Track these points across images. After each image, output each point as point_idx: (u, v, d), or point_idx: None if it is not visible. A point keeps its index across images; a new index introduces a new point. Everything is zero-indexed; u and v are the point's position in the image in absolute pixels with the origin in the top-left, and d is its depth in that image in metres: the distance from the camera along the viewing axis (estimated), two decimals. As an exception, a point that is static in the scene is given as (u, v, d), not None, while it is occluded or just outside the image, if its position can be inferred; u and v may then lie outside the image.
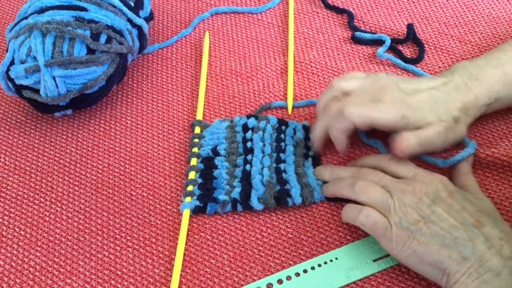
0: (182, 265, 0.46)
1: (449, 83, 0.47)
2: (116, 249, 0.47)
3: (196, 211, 0.49)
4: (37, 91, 0.54)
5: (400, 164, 0.46)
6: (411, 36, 0.62)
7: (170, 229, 0.48)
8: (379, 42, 0.62)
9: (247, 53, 0.63)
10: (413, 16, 0.65)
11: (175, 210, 0.50)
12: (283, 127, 0.53)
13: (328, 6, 0.67)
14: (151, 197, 0.51)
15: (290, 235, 0.47)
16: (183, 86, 0.61)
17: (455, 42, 0.62)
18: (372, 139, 0.52)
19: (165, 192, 0.51)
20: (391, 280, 0.44)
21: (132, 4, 0.59)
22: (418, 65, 0.59)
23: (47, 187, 0.53)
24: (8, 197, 0.52)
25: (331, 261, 0.45)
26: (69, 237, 0.49)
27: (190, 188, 0.50)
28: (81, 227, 0.49)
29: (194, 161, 0.52)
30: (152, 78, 0.62)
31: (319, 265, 0.45)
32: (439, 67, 0.59)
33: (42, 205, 0.51)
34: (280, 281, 0.44)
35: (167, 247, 0.47)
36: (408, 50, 0.61)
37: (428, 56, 0.60)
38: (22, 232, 0.49)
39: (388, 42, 0.61)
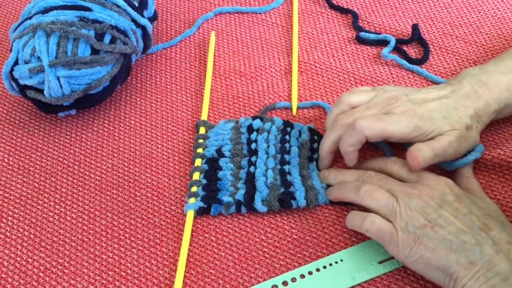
0: (186, 266, 0.46)
1: (458, 91, 0.47)
2: (120, 250, 0.47)
3: (200, 212, 0.48)
4: (41, 91, 0.54)
5: (406, 168, 0.46)
6: (416, 36, 0.61)
7: (174, 230, 0.48)
8: (384, 43, 0.62)
9: (251, 53, 0.63)
10: (418, 17, 0.65)
11: (179, 211, 0.50)
12: (288, 129, 0.53)
13: (333, 6, 0.67)
14: (155, 198, 0.51)
15: (295, 237, 0.47)
16: (187, 86, 0.60)
17: (460, 43, 0.61)
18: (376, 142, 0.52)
19: (169, 193, 0.51)
20: (396, 282, 0.44)
21: (136, 4, 0.58)
22: (423, 65, 0.59)
23: (51, 188, 0.52)
24: (12, 197, 0.52)
25: (336, 263, 0.45)
26: (73, 238, 0.48)
27: (194, 189, 0.50)
28: (85, 227, 0.49)
29: (198, 162, 0.52)
30: (156, 78, 0.62)
31: (324, 267, 0.45)
32: (444, 67, 0.59)
33: (46, 205, 0.51)
34: (285, 283, 0.44)
35: (171, 248, 0.47)
36: (413, 50, 0.61)
37: (433, 57, 0.60)
38: (26, 233, 0.49)
39: (393, 42, 0.60)
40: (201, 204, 0.48)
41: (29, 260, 0.47)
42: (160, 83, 0.61)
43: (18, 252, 0.48)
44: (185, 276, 0.45)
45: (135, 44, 0.57)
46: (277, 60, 0.62)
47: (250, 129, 0.53)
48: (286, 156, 0.50)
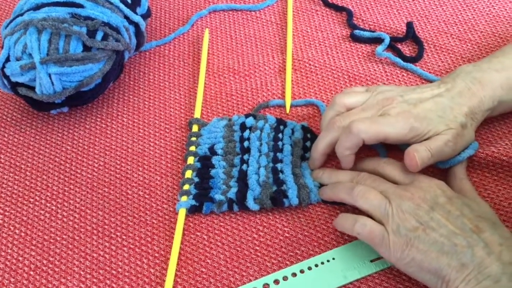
0: (178, 265, 0.45)
1: (452, 89, 0.47)
2: (112, 248, 0.47)
3: (192, 211, 0.48)
4: (32, 88, 0.53)
5: (399, 169, 0.45)
6: (411, 34, 0.61)
7: (166, 228, 0.48)
8: (378, 41, 0.61)
9: (245, 51, 0.63)
10: (412, 14, 0.64)
11: (171, 209, 0.49)
12: (281, 127, 0.53)
13: (327, 4, 0.67)
14: (147, 196, 0.50)
15: (287, 235, 0.47)
16: (180, 84, 0.60)
17: (455, 41, 0.61)
18: None
19: (161, 191, 0.51)
20: (388, 280, 0.43)
21: (129, 1, 0.58)
22: (417, 63, 0.59)
23: (42, 186, 0.52)
24: (3, 195, 0.52)
25: (328, 261, 0.45)
26: (64, 236, 0.48)
27: (186, 187, 0.49)
28: (76, 226, 0.49)
29: (191, 160, 0.52)
30: (149, 75, 0.61)
31: (316, 265, 0.44)
32: (438, 65, 0.59)
33: (37, 203, 0.51)
34: (276, 281, 0.44)
35: (163, 246, 0.47)
36: (407, 48, 0.61)
37: (428, 55, 0.60)
38: (17, 231, 0.49)
39: (387, 40, 0.60)
40: (193, 202, 0.48)
41: (20, 258, 0.47)
42: (153, 81, 0.61)
43: (9, 251, 0.48)
44: (176, 275, 0.45)
45: (128, 41, 0.57)
46: (271, 58, 0.62)
47: (243, 127, 0.53)
48: (279, 155, 0.50)
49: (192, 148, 0.52)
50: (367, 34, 0.62)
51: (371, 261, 0.44)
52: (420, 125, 0.44)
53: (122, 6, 0.56)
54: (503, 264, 0.37)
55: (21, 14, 0.53)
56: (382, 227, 0.41)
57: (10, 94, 0.59)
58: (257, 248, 0.46)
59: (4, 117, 0.58)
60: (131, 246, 0.47)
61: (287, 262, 0.45)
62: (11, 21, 0.54)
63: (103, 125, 0.57)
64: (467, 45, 0.61)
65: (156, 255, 0.46)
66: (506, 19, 0.63)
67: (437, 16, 0.64)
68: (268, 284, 0.44)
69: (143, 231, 0.48)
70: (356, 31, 0.62)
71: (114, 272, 0.46)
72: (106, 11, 0.54)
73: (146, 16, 0.62)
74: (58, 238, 0.48)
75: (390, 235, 0.40)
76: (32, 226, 0.49)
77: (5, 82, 0.54)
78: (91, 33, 0.52)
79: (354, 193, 0.43)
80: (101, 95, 0.57)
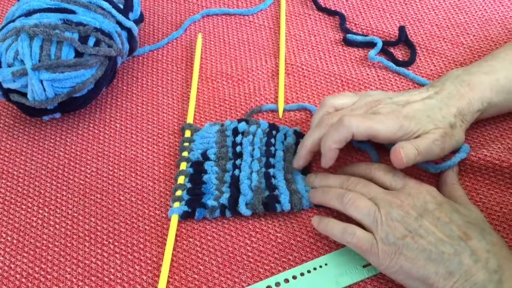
0: (170, 271, 0.45)
1: (441, 91, 0.47)
2: (104, 255, 0.47)
3: (185, 217, 0.48)
4: (24, 94, 0.53)
5: (389, 175, 0.45)
6: (403, 38, 0.61)
7: (158, 234, 0.48)
8: (371, 45, 0.61)
9: (238, 56, 0.63)
10: (405, 18, 0.65)
11: (163, 215, 0.49)
12: (274, 132, 0.53)
13: (320, 8, 0.67)
14: (139, 202, 0.50)
15: (280, 241, 0.47)
16: (173, 89, 0.60)
17: (447, 45, 0.61)
18: (362, 143, 0.52)
19: (154, 197, 0.51)
20: (380, 286, 0.43)
21: (122, 6, 0.58)
22: (409, 67, 0.59)
23: (34, 192, 0.52)
24: (-5, 202, 0.52)
25: (320, 267, 0.45)
26: (56, 243, 0.48)
27: (179, 193, 0.49)
28: (69, 232, 0.49)
29: (183, 166, 0.51)
30: (142, 80, 0.61)
31: (309, 271, 0.44)
32: (431, 69, 0.59)
33: (29, 210, 0.51)
34: (269, 288, 0.44)
35: (155, 253, 0.47)
36: (400, 52, 0.61)
37: (420, 59, 0.60)
38: (9, 238, 0.49)
39: (379, 44, 0.60)
40: (186, 208, 0.48)
41: (12, 265, 0.47)
42: (146, 86, 0.61)
43: (1, 258, 0.47)
44: (168, 281, 0.45)
45: (120, 47, 0.56)
46: (264, 62, 0.62)
47: (235, 132, 0.53)
48: (271, 160, 0.50)
49: (185, 153, 0.52)
50: (359, 38, 0.62)
51: (364, 266, 0.44)
52: (409, 124, 0.44)
53: (114, 11, 0.56)
54: (489, 272, 0.37)
55: (13, 21, 0.53)
56: (370, 236, 0.41)
57: (2, 100, 0.59)
58: (250, 254, 0.46)
59: (-3, 123, 0.58)
60: (124, 253, 0.47)
61: (280, 268, 0.45)
62: (2, 28, 0.54)
63: (96, 131, 0.57)
64: (460, 49, 0.61)
65: (149, 261, 0.46)
66: (499, 23, 0.63)
67: (429, 20, 0.64)
68: (260, 290, 0.44)
69: (136, 237, 0.48)
70: (349, 35, 0.62)
71: (106, 279, 0.45)
72: (98, 16, 0.54)
73: (138, 21, 0.62)
74: (50, 245, 0.48)
75: (379, 244, 0.40)
76: (24, 233, 0.49)
77: (-3, 88, 0.54)
78: (83, 39, 0.52)
79: (344, 200, 0.43)
80: (93, 100, 0.57)
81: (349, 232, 0.42)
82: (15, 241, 0.48)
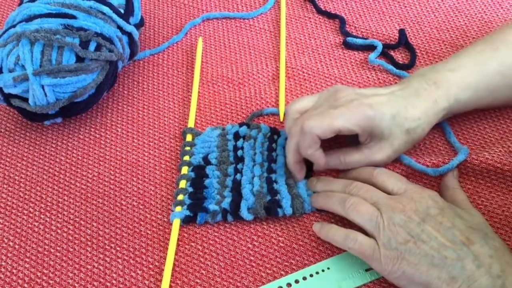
0: (172, 275, 0.45)
1: (406, 89, 0.47)
2: (106, 260, 0.47)
3: (186, 221, 0.48)
4: (25, 99, 0.53)
5: (391, 179, 0.45)
6: (403, 41, 0.61)
7: (160, 239, 0.48)
8: (371, 48, 0.61)
9: (238, 59, 0.63)
10: (405, 21, 0.65)
11: (165, 219, 0.49)
12: (275, 136, 0.53)
13: (320, 12, 0.67)
14: (141, 207, 0.50)
15: (282, 245, 0.47)
16: (174, 93, 0.60)
17: (447, 47, 0.61)
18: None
19: (156, 201, 0.51)
20: (383, 290, 0.43)
21: (122, 11, 0.58)
22: (410, 70, 0.59)
23: (36, 197, 0.52)
24: (-4, 207, 0.52)
25: (323, 271, 0.45)
26: (58, 248, 0.48)
27: (180, 197, 0.49)
28: (70, 237, 0.49)
29: (185, 170, 0.52)
30: (143, 84, 0.61)
31: (311, 275, 0.44)
32: (431, 72, 0.59)
33: (31, 215, 0.51)
34: (271, 292, 0.44)
35: (157, 257, 0.47)
36: (400, 55, 0.61)
37: (420, 62, 0.60)
38: (11, 243, 0.49)
39: (379, 47, 0.60)
40: (187, 212, 0.48)
41: (14, 271, 0.47)
42: (147, 90, 0.61)
43: (3, 263, 0.47)
44: (171, 286, 0.45)
45: (121, 51, 0.57)
46: (265, 66, 0.62)
47: (236, 136, 0.53)
48: (273, 165, 0.50)
49: (186, 157, 0.52)
50: (359, 41, 0.62)
51: (366, 270, 0.44)
52: (374, 114, 0.44)
53: (115, 16, 0.56)
54: (492, 277, 0.37)
55: (14, 26, 0.53)
56: (372, 241, 0.41)
57: (3, 106, 0.59)
58: (252, 258, 0.46)
59: (-2, 128, 0.58)
60: (125, 258, 0.47)
61: (282, 272, 0.45)
62: (3, 33, 0.54)
63: (97, 135, 0.57)
64: (454, 53, 0.61)
65: (151, 266, 0.46)
66: (498, 25, 0.63)
67: (429, 22, 0.64)
68: (263, 295, 0.44)
69: (137, 242, 0.48)
70: (349, 39, 0.62)
71: (108, 284, 0.45)
72: (99, 21, 0.54)
73: (139, 25, 0.62)
74: (52, 250, 0.48)
75: (381, 249, 0.40)
76: (26, 238, 0.49)
77: (-2, 93, 0.54)
78: (84, 44, 0.52)
79: (346, 205, 0.43)
80: (95, 105, 0.57)
81: (351, 238, 0.42)
82: (17, 246, 0.48)
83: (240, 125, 0.54)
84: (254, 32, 0.66)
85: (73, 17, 0.53)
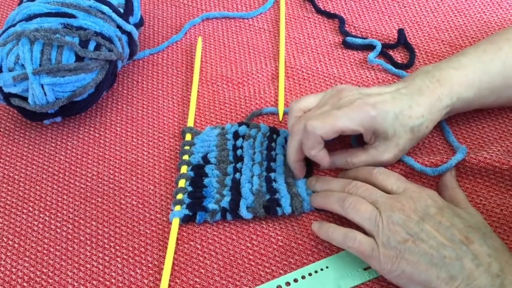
0: (171, 274, 0.45)
1: (410, 86, 0.48)
2: (105, 259, 0.47)
3: (186, 220, 0.48)
4: (25, 99, 0.53)
5: (391, 179, 0.45)
6: (402, 41, 0.61)
7: (160, 238, 0.48)
8: (370, 47, 0.62)
9: (238, 59, 0.63)
10: (404, 21, 0.65)
11: (164, 218, 0.49)
12: (274, 136, 0.53)
13: (319, 11, 0.67)
14: (140, 206, 0.50)
15: (281, 243, 0.47)
16: (173, 92, 0.60)
17: (446, 47, 0.61)
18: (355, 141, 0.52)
19: (155, 200, 0.51)
20: (381, 288, 0.44)
21: (122, 11, 0.58)
22: (409, 70, 0.59)
23: (35, 196, 0.52)
24: (-4, 206, 0.52)
25: (321, 270, 0.45)
26: (57, 247, 0.48)
27: (179, 196, 0.49)
28: (70, 236, 0.49)
29: (184, 169, 0.52)
30: (143, 84, 0.61)
31: (310, 274, 0.44)
32: (430, 72, 0.59)
33: (30, 214, 0.51)
34: (270, 291, 0.44)
35: (156, 256, 0.47)
36: (399, 55, 0.61)
37: (419, 61, 0.60)
38: (10, 242, 0.49)
39: (379, 47, 0.60)
40: (187, 211, 0.48)
41: (13, 270, 0.47)
42: (147, 89, 0.61)
43: (2, 262, 0.47)
44: (170, 285, 0.45)
45: (121, 51, 0.57)
46: (264, 66, 0.62)
47: (236, 135, 0.53)
48: (272, 164, 0.50)
49: (186, 157, 0.53)
50: (359, 41, 0.62)
51: (365, 269, 0.44)
52: (377, 114, 0.44)
53: (114, 15, 0.56)
54: (492, 276, 0.37)
55: (13, 25, 0.53)
56: (371, 240, 0.41)
57: (3, 105, 0.59)
58: (251, 257, 0.46)
59: (-3, 127, 0.58)
60: (125, 257, 0.47)
61: (281, 271, 0.45)
62: (3, 32, 0.54)
63: (97, 135, 0.57)
64: (458, 51, 0.61)
65: (150, 265, 0.46)
66: (497, 25, 0.63)
67: (428, 22, 0.64)
68: (262, 293, 0.44)
69: (137, 241, 0.48)
70: (348, 38, 0.62)
71: (107, 283, 0.46)
72: (99, 21, 0.54)
73: (138, 25, 0.62)
74: (52, 249, 0.48)
75: (380, 248, 0.40)
76: (25, 237, 0.49)
77: (-2, 92, 0.54)
78: (84, 43, 0.52)
79: (345, 204, 0.43)
80: (94, 104, 0.57)
81: (350, 237, 0.42)
82: (16, 245, 0.49)
83: (240, 124, 0.54)
84: (253, 32, 0.66)
85: (72, 16, 0.53)
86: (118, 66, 0.58)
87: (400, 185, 0.44)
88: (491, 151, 0.50)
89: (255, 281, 0.45)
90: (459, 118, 0.54)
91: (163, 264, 0.46)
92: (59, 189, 0.52)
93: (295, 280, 0.44)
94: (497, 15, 0.64)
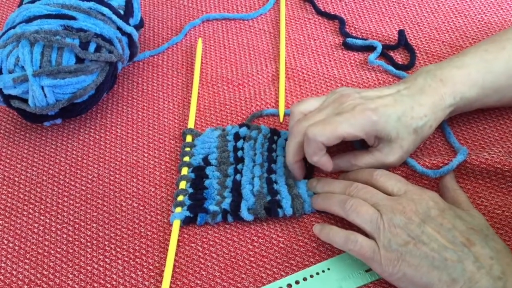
0: (172, 277, 0.45)
1: (412, 87, 0.47)
2: (106, 261, 0.47)
3: (187, 222, 0.48)
4: (25, 101, 0.53)
5: (391, 181, 0.45)
6: (403, 42, 0.61)
7: (160, 240, 0.48)
8: (371, 48, 0.62)
9: (238, 60, 0.63)
10: (404, 22, 0.65)
11: (165, 220, 0.49)
12: (275, 137, 0.53)
13: (320, 12, 0.67)
14: (141, 208, 0.50)
15: (282, 245, 0.47)
16: (174, 94, 0.60)
17: (446, 48, 0.61)
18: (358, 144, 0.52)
19: (156, 202, 0.51)
20: (383, 290, 0.43)
21: (122, 12, 0.58)
22: (409, 71, 0.59)
23: (36, 198, 0.52)
24: (-4, 208, 0.51)
25: (323, 271, 0.44)
26: (58, 249, 0.48)
27: (180, 198, 0.49)
28: (70, 238, 0.49)
29: (185, 171, 0.51)
30: (143, 86, 0.61)
31: (311, 276, 0.44)
32: (431, 73, 0.59)
33: (31, 216, 0.51)
34: (271, 293, 0.44)
35: (157, 258, 0.47)
36: (399, 56, 0.61)
37: (420, 62, 0.60)
38: (11, 245, 0.49)
39: (379, 48, 0.60)
40: (187, 213, 0.48)
41: (13, 272, 0.47)
42: (147, 91, 0.61)
43: (2, 264, 0.47)
44: (171, 287, 0.45)
45: (121, 52, 0.57)
46: (265, 67, 0.62)
47: (236, 137, 0.53)
48: (273, 165, 0.50)
49: (186, 158, 0.52)
50: (359, 42, 0.62)
51: (366, 271, 0.44)
52: (379, 119, 0.44)
53: (114, 17, 0.56)
54: (493, 279, 0.37)
55: (13, 27, 0.53)
56: (373, 243, 0.41)
57: (3, 107, 0.59)
58: (252, 259, 0.46)
59: (-3, 129, 0.58)
60: (126, 259, 0.47)
61: (282, 273, 0.45)
62: (3, 34, 0.54)
63: (97, 137, 0.57)
64: (459, 52, 0.61)
65: (151, 267, 0.46)
66: (498, 26, 0.63)
67: (428, 23, 0.64)
68: (263, 295, 0.44)
69: (137, 243, 0.48)
70: (349, 39, 0.62)
71: (108, 285, 0.45)
72: (99, 22, 0.54)
73: (139, 26, 0.62)
74: (52, 251, 0.48)
75: (381, 250, 0.40)
76: (25, 239, 0.49)
77: (-2, 94, 0.54)
78: (84, 45, 0.52)
79: (346, 206, 0.43)
80: (94, 106, 0.57)
81: (351, 240, 0.42)
82: (16, 248, 0.48)
83: (240, 126, 0.54)
84: (253, 33, 0.66)
85: (72, 18, 0.53)
86: (118, 67, 0.58)
87: (401, 187, 0.44)
88: (492, 152, 0.50)
89: (256, 283, 0.45)
90: (460, 119, 0.54)
91: (164, 266, 0.46)
92: (60, 191, 0.52)
93: (297, 282, 0.44)
94: (497, 16, 0.64)
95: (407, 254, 0.39)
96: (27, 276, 0.46)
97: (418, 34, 0.63)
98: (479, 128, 0.53)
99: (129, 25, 0.59)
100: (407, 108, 0.45)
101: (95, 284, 0.45)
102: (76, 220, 0.50)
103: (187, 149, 0.53)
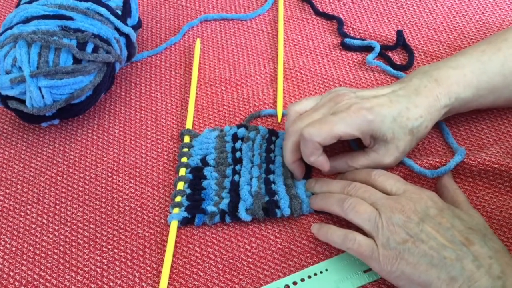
0: (170, 278, 0.45)
1: (407, 87, 0.47)
2: (103, 262, 0.47)
3: (184, 223, 0.48)
4: (23, 101, 0.53)
5: (390, 180, 0.45)
6: (401, 42, 0.61)
7: (158, 241, 0.48)
8: (369, 49, 0.61)
9: (236, 61, 0.63)
10: (402, 22, 0.65)
11: (163, 221, 0.49)
12: (273, 138, 0.53)
13: (318, 13, 0.67)
14: (138, 208, 0.50)
15: (280, 246, 0.47)
16: (172, 94, 0.60)
17: (445, 48, 0.61)
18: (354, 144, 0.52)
19: (153, 203, 0.51)
20: (381, 291, 0.43)
21: (119, 12, 0.58)
22: (407, 71, 0.59)
23: (33, 199, 0.52)
24: (-7, 209, 0.51)
25: (321, 272, 0.44)
26: (55, 250, 0.48)
27: (178, 199, 0.49)
28: (68, 239, 0.48)
29: (183, 171, 0.51)
30: (141, 86, 0.61)
31: (309, 277, 0.44)
32: (429, 73, 0.59)
33: (28, 217, 0.50)
34: (269, 293, 0.44)
35: (155, 259, 0.47)
36: (397, 56, 0.61)
37: (418, 63, 0.60)
38: (8, 245, 0.49)
39: (377, 48, 0.60)
40: (185, 214, 0.48)
41: (11, 273, 0.47)
42: (145, 91, 0.61)
43: (-1, 266, 0.47)
44: (168, 288, 0.45)
45: (119, 53, 0.56)
46: (263, 67, 0.62)
47: (234, 137, 0.53)
48: (271, 166, 0.50)
49: (184, 159, 0.52)
50: (357, 42, 0.62)
51: (364, 271, 0.44)
52: (374, 118, 0.44)
53: (112, 17, 0.56)
54: (493, 278, 0.37)
55: (11, 28, 0.53)
56: (371, 241, 0.41)
57: (0, 107, 0.59)
58: (250, 260, 0.46)
59: (-5, 130, 0.58)
60: (123, 260, 0.47)
61: (280, 274, 0.45)
62: (0, 35, 0.54)
63: (95, 137, 0.57)
64: (456, 53, 0.61)
65: (148, 268, 0.46)
66: (496, 26, 0.63)
67: (427, 23, 0.64)
68: (261, 296, 0.44)
69: (135, 244, 0.48)
70: (347, 40, 0.62)
71: (106, 286, 0.45)
72: (96, 23, 0.54)
73: (136, 27, 0.62)
74: (49, 252, 0.48)
75: (380, 249, 0.40)
76: (23, 240, 0.49)
77: (-5, 95, 0.54)
78: (81, 46, 0.52)
79: (344, 206, 0.43)
80: (92, 107, 0.57)
81: (349, 238, 0.42)
82: (13, 249, 0.48)
83: (238, 126, 0.54)
84: (252, 34, 0.66)
85: (70, 18, 0.53)
86: (116, 68, 0.58)
87: (399, 186, 0.44)
88: (490, 153, 0.50)
89: (254, 284, 0.44)
90: (458, 120, 0.54)
91: (162, 267, 0.45)
92: (57, 191, 0.52)
93: (294, 283, 0.44)
94: (495, 16, 0.64)
95: (406, 252, 0.39)
96: (24, 277, 0.46)
97: (417, 35, 0.63)
98: (477, 129, 0.53)
99: (127, 25, 0.58)
100: (402, 109, 0.46)
101: (93, 285, 0.45)
102: (74, 221, 0.50)
103: (185, 149, 0.53)
